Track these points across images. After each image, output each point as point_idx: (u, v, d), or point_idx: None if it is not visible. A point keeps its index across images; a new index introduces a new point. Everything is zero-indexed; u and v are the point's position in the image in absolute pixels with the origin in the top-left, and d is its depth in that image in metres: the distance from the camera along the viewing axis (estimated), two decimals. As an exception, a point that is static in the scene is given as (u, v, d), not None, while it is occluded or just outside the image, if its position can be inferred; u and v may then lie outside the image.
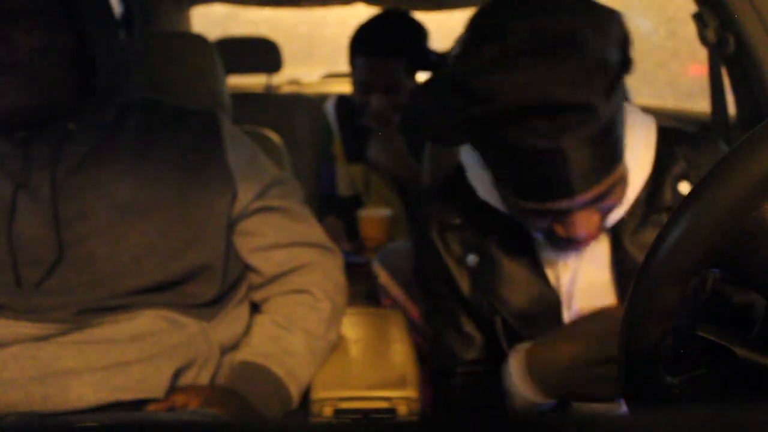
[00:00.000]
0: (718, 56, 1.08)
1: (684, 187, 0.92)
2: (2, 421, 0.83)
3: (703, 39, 1.08)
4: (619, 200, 0.87)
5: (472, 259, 0.97)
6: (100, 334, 0.91)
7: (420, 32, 1.74)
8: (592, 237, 0.88)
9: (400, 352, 1.06)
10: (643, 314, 0.53)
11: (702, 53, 1.11)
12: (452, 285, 0.99)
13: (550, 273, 0.95)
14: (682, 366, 0.56)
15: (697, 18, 1.08)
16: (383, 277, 1.48)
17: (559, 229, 0.87)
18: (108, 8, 0.96)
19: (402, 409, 0.95)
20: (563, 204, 0.82)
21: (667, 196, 0.92)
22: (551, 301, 0.94)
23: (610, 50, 0.79)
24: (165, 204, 0.97)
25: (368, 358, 1.06)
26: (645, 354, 0.53)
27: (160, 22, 2.23)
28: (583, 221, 0.84)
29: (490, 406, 0.92)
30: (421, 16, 1.80)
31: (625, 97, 0.87)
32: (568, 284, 0.94)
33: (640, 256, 0.90)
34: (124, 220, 0.94)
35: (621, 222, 0.92)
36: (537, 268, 0.95)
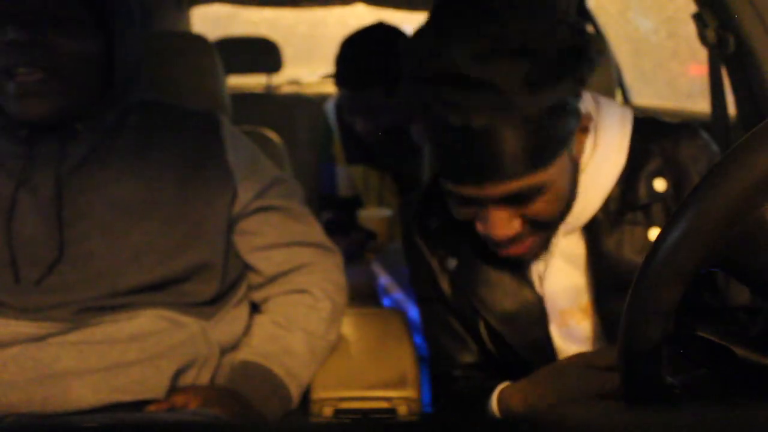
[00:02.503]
0: (718, 56, 1.08)
1: (659, 184, 0.89)
2: (2, 422, 0.83)
3: (703, 39, 1.08)
4: (546, 214, 0.84)
5: (451, 262, 0.98)
6: (100, 333, 0.91)
7: (397, 53, 1.71)
8: (522, 247, 0.86)
9: (400, 352, 1.06)
10: (643, 314, 0.53)
11: (702, 53, 1.11)
12: (437, 288, 0.99)
13: (530, 275, 0.94)
14: (682, 366, 0.56)
15: (697, 18, 1.07)
16: (383, 277, 1.48)
17: (479, 225, 0.85)
18: (131, 13, 0.97)
19: (402, 409, 0.95)
20: (471, 190, 0.81)
21: (642, 193, 0.90)
22: (533, 303, 0.93)
23: (543, 41, 0.76)
24: (165, 203, 0.97)
25: (368, 358, 1.06)
26: (645, 354, 0.53)
27: (160, 22, 2.23)
28: (499, 221, 0.82)
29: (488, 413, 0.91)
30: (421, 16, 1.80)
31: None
32: (547, 285, 0.93)
33: (616, 255, 0.89)
34: (125, 218, 0.95)
35: (595, 221, 0.90)
36: (517, 270, 0.94)
